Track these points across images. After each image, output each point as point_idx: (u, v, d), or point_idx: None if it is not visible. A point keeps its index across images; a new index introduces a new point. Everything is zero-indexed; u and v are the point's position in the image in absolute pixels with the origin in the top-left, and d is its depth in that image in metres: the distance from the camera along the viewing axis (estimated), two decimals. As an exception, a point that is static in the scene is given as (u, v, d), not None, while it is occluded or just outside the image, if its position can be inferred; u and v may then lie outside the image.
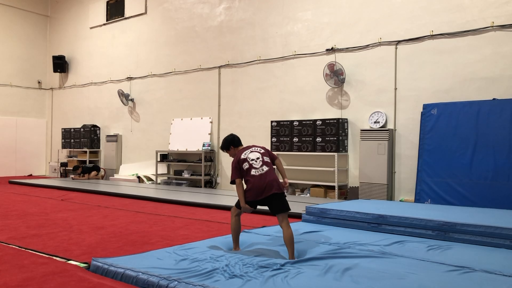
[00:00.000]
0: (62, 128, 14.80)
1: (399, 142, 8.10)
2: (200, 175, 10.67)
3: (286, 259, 3.80)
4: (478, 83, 7.30)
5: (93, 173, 12.81)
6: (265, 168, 4.06)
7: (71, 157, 14.38)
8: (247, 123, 10.39)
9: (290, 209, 4.03)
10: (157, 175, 11.54)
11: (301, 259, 3.80)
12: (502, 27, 7.10)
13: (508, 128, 6.71)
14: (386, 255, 4.07)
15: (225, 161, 10.75)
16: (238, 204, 4.16)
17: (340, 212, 5.62)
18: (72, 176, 12.94)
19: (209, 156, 10.85)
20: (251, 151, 4.19)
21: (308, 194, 8.87)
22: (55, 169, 14.70)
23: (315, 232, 5.17)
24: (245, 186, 4.11)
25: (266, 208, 4.06)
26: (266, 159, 4.17)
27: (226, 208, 7.26)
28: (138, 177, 12.00)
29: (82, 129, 13.98)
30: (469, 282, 3.24)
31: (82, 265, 3.72)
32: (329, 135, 8.67)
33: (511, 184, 6.52)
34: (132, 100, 12.94)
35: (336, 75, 8.72)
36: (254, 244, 4.41)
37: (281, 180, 4.16)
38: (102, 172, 13.48)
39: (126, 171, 12.71)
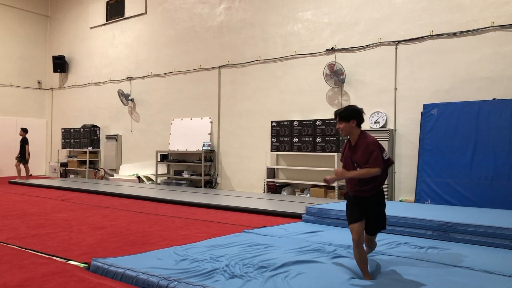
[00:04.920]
0: (62, 128, 14.80)
1: (399, 142, 8.10)
2: (200, 175, 10.67)
3: (287, 259, 3.79)
4: (478, 83, 7.30)
5: (26, 149, 12.46)
6: None
7: (71, 157, 14.39)
8: (247, 123, 10.39)
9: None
10: (157, 175, 11.54)
11: (301, 260, 3.80)
12: (502, 27, 7.10)
13: (508, 128, 6.71)
14: (386, 255, 4.07)
15: (225, 161, 10.75)
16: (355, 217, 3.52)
17: (340, 212, 5.62)
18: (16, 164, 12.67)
19: (209, 156, 10.85)
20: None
21: (308, 194, 8.87)
22: (55, 169, 14.70)
23: (315, 232, 5.17)
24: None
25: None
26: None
27: (226, 208, 7.26)
28: (138, 177, 12.00)
29: (82, 129, 13.98)
30: (469, 282, 3.24)
31: (82, 265, 3.72)
32: (329, 135, 8.67)
33: (511, 184, 6.52)
34: (132, 100, 12.94)
35: (336, 75, 8.72)
36: (254, 244, 4.41)
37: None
38: (102, 172, 13.49)
39: (126, 171, 12.71)
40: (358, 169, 3.44)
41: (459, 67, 7.50)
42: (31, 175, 13.16)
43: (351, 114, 3.52)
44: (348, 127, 3.52)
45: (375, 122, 8.30)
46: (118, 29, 13.59)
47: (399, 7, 8.20)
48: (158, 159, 11.56)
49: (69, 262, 3.83)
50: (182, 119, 11.64)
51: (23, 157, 12.39)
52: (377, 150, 3.44)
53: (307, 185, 9.18)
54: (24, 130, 12.55)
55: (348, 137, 3.61)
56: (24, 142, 12.44)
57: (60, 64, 14.96)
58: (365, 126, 8.50)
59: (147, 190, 9.71)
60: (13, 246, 4.42)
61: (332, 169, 8.53)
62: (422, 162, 7.43)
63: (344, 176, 3.48)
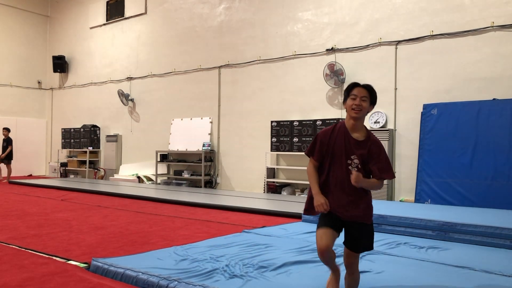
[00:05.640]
0: (62, 128, 14.80)
1: (399, 142, 8.10)
2: (200, 175, 10.67)
3: (287, 259, 3.79)
4: (478, 83, 7.30)
5: (9, 149, 12.32)
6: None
7: (71, 157, 14.39)
8: (247, 123, 10.39)
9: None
10: (157, 175, 11.54)
11: (301, 260, 3.80)
12: (502, 27, 7.10)
13: (508, 128, 6.71)
14: (386, 255, 4.07)
15: (225, 161, 10.75)
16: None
17: (340, 212, 5.61)
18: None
19: (209, 156, 10.85)
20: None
21: (308, 194, 8.86)
22: (55, 169, 14.70)
23: (315, 232, 5.17)
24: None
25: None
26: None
27: (226, 208, 7.26)
28: (138, 177, 12.00)
29: (82, 129, 13.99)
30: (469, 282, 3.24)
31: (82, 265, 3.72)
32: (329, 135, 8.66)
33: (511, 184, 6.52)
34: (132, 100, 12.94)
35: (336, 75, 8.72)
36: (254, 244, 4.41)
37: None
38: (102, 172, 13.49)
39: (126, 171, 12.71)
40: (354, 170, 2.66)
41: (459, 67, 7.50)
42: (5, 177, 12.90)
43: (376, 99, 2.79)
44: (366, 111, 2.74)
45: (375, 122, 8.30)
46: (118, 29, 13.59)
47: (399, 7, 8.20)
48: (158, 159, 11.56)
49: (69, 262, 3.82)
50: (182, 119, 11.64)
51: (8, 157, 12.30)
52: None
53: (307, 185, 9.18)
54: (8, 130, 12.46)
55: (340, 124, 2.81)
56: (8, 143, 12.34)
57: (60, 64, 14.96)
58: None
59: (147, 190, 9.71)
60: (13, 246, 4.42)
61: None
62: (422, 162, 7.43)
63: (359, 185, 2.63)
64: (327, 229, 2.68)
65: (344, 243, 2.78)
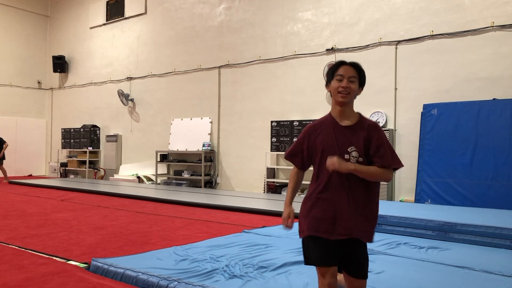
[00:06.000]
0: (62, 128, 14.80)
1: (399, 142, 8.10)
2: (200, 175, 10.67)
3: (287, 259, 3.78)
4: (478, 83, 7.30)
5: (5, 145, 12.19)
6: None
7: (71, 157, 14.39)
8: (247, 123, 10.39)
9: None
10: (157, 175, 11.54)
11: (301, 260, 3.80)
12: (502, 27, 7.10)
13: (508, 128, 6.71)
14: (386, 255, 4.07)
15: (225, 161, 10.75)
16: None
17: (340, 212, 5.61)
18: None
19: (209, 156, 10.85)
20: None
21: (308, 194, 8.86)
22: (55, 169, 14.70)
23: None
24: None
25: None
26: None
27: (226, 208, 7.26)
28: (138, 177, 12.00)
29: (82, 129, 13.99)
30: (469, 282, 3.24)
31: (82, 265, 3.72)
32: (329, 135, 8.66)
33: (511, 184, 6.52)
34: (132, 100, 12.94)
35: (336, 75, 8.71)
36: (254, 244, 4.41)
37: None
38: (102, 172, 13.49)
39: (126, 171, 12.71)
40: (352, 162, 2.18)
41: (459, 67, 7.50)
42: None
43: (365, 80, 2.33)
44: (355, 93, 2.27)
45: (375, 122, 8.30)
46: (118, 29, 13.59)
47: (399, 7, 8.20)
48: (158, 159, 11.55)
49: (69, 262, 3.82)
50: (182, 119, 11.64)
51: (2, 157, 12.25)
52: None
53: (307, 185, 9.17)
54: None
55: (325, 117, 2.36)
56: (1, 142, 12.27)
57: (60, 64, 14.96)
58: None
59: (147, 190, 9.71)
60: (13, 246, 4.42)
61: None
62: (422, 162, 7.43)
63: (345, 169, 2.12)
64: (329, 268, 2.18)
65: (343, 269, 2.27)
